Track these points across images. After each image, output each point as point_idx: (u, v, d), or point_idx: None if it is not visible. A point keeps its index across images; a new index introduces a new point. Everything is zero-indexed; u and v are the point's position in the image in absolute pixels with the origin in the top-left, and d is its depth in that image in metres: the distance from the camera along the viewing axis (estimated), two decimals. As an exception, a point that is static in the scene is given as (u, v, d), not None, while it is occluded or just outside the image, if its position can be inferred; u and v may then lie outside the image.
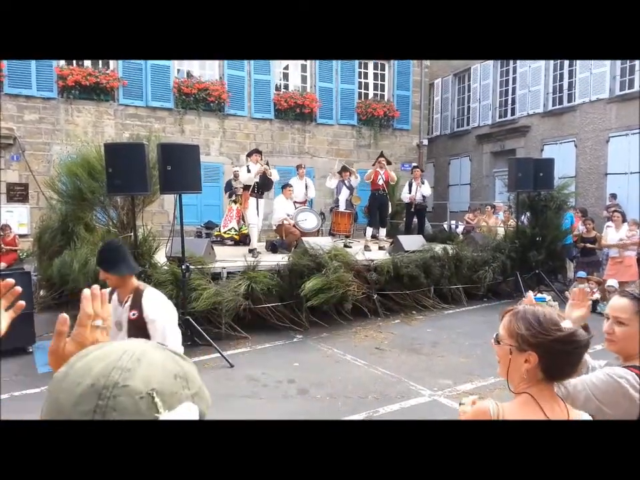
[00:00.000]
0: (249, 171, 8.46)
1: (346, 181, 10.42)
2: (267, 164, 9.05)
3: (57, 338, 0.96)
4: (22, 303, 1.07)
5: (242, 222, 10.38)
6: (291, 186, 9.71)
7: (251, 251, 8.44)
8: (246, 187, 8.66)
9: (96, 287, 1.00)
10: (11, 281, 1.05)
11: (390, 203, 10.43)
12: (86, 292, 0.98)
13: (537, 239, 9.13)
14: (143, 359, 0.64)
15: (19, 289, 1.06)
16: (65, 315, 0.95)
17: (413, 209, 10.63)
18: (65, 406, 0.61)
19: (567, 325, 1.42)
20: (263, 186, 8.68)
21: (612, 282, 8.50)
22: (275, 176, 8.77)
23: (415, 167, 11.48)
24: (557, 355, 1.37)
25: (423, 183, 10.53)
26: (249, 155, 8.95)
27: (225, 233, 10.59)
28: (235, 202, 10.71)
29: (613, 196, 12.22)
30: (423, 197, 10.59)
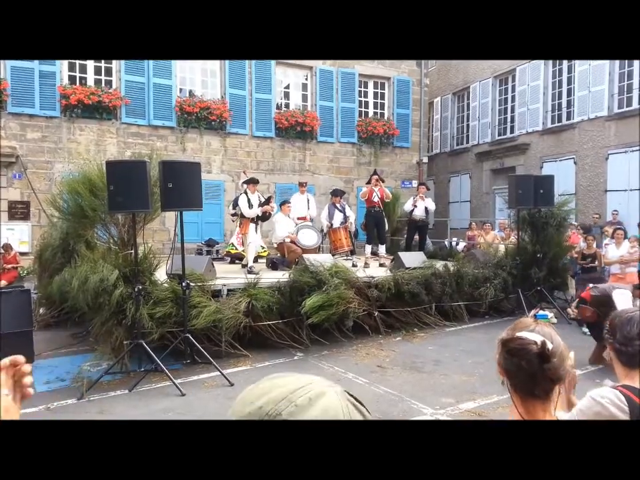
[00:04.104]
0: (249, 203, 8.75)
1: (338, 205, 10.33)
2: (269, 198, 9.25)
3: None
4: (29, 391, 0.90)
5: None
6: (289, 203, 9.77)
7: (249, 268, 8.44)
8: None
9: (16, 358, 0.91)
10: (20, 359, 0.91)
11: (386, 220, 10.44)
12: (5, 362, 0.89)
13: (538, 255, 9.12)
14: (316, 401, 0.62)
15: (29, 380, 0.91)
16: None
17: (415, 225, 10.64)
18: (233, 418, 0.64)
19: (527, 334, 1.31)
20: (262, 218, 9.07)
21: None
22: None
23: (420, 183, 11.47)
24: (501, 360, 1.35)
25: (424, 200, 10.50)
26: (246, 183, 9.17)
27: (244, 251, 10.46)
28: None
29: (616, 213, 12.21)
30: (426, 213, 10.58)
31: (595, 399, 1.61)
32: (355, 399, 0.68)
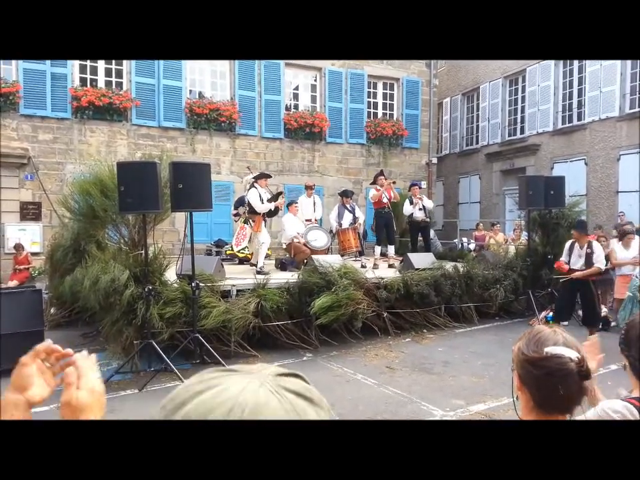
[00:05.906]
0: (261, 199, 8.44)
1: (348, 206, 10.24)
2: (280, 193, 9.24)
3: (69, 388, 0.88)
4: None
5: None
6: (297, 203, 9.78)
7: (260, 268, 8.40)
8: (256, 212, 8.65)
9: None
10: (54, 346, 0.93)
11: (395, 221, 10.36)
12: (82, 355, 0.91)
13: (549, 257, 9.04)
14: (252, 418, 0.54)
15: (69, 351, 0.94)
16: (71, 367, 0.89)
17: (417, 227, 10.51)
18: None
19: (561, 350, 1.23)
20: (272, 213, 8.93)
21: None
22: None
23: (413, 184, 11.20)
24: (531, 379, 1.25)
25: (421, 199, 10.34)
26: (256, 179, 8.81)
27: (239, 252, 10.54)
28: (247, 221, 10.66)
29: (622, 214, 12.10)
30: (425, 212, 10.41)
31: (607, 412, 1.56)
32: (295, 375, 0.61)
